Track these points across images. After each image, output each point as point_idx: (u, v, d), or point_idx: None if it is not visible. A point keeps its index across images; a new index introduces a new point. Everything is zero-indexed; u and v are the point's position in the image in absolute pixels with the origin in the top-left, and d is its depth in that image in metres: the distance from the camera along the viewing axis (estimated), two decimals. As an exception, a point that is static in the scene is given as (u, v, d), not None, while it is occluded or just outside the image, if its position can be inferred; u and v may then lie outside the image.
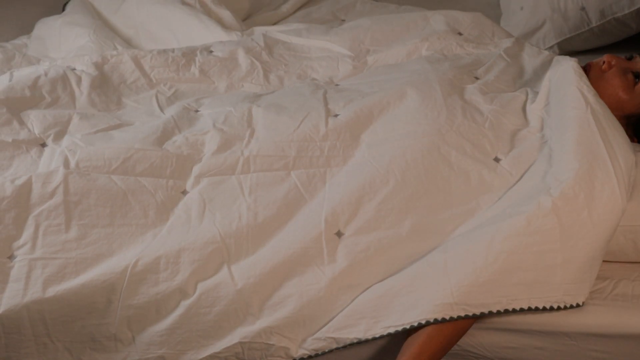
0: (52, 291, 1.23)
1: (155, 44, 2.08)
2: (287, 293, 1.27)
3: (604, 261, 1.39)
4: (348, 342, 1.26)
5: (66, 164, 1.36)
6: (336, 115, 1.49)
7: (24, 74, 1.60)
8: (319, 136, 1.45)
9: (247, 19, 2.35)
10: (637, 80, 1.52)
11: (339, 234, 1.32)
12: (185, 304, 1.26)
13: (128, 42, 2.09)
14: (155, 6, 2.11)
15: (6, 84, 1.55)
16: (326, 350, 1.27)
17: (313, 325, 1.27)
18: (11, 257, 1.26)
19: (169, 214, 1.34)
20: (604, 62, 1.56)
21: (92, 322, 1.25)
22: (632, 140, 1.54)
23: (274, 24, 2.41)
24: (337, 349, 1.27)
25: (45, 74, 1.59)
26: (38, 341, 1.24)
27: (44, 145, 1.41)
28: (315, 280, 1.27)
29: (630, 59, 1.57)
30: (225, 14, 2.20)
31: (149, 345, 1.25)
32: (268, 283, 1.27)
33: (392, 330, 1.25)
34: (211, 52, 1.77)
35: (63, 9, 2.25)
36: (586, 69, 1.57)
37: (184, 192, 1.38)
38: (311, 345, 1.27)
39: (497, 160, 1.41)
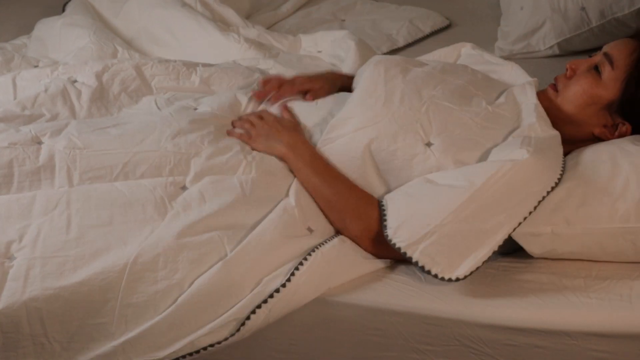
0: (50, 289, 1.23)
1: (156, 46, 2.08)
2: (280, 272, 1.29)
3: (604, 261, 1.38)
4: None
5: (70, 180, 1.37)
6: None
7: (25, 95, 1.59)
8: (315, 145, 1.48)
9: (247, 19, 2.35)
10: (600, 71, 1.51)
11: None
12: (181, 298, 1.26)
13: (129, 44, 2.09)
14: (157, 9, 2.12)
15: (5, 107, 1.55)
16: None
17: None
18: (11, 257, 1.27)
19: (167, 208, 1.34)
20: (567, 70, 1.56)
21: (89, 322, 1.25)
22: (623, 124, 1.51)
23: (274, 24, 2.43)
24: None
25: (46, 90, 1.59)
26: (35, 341, 1.24)
27: (40, 143, 1.41)
28: (299, 247, 1.32)
29: (589, 57, 1.57)
30: (229, 13, 2.21)
31: (144, 339, 1.25)
32: (258, 266, 1.29)
33: None
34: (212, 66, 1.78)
35: (63, 10, 2.26)
36: (555, 85, 1.57)
37: (183, 188, 1.38)
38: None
39: (429, 145, 1.41)
